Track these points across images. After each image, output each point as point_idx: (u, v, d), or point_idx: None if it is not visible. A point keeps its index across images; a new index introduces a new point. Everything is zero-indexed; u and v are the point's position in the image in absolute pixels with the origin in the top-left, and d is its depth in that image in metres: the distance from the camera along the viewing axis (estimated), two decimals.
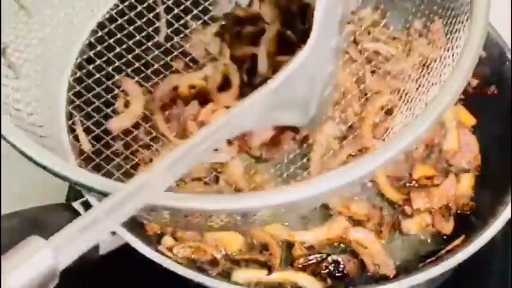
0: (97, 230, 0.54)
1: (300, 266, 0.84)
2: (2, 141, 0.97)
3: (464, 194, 0.90)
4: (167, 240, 0.84)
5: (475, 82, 0.98)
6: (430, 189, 0.89)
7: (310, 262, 0.84)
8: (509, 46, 0.95)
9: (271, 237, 0.85)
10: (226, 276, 0.82)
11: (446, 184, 0.90)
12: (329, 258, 0.84)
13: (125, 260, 0.78)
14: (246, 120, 0.65)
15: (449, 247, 0.82)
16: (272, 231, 0.85)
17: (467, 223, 0.87)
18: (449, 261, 0.77)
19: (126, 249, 0.76)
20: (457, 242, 0.82)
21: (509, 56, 0.94)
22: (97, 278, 0.89)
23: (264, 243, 0.85)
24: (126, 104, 0.93)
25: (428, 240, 0.87)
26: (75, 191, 0.84)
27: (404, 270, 0.83)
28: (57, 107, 0.86)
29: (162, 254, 0.77)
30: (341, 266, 0.84)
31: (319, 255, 0.84)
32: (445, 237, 0.87)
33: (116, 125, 0.91)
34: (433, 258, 0.81)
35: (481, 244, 0.78)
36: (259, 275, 0.82)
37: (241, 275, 0.82)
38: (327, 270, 0.84)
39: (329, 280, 0.83)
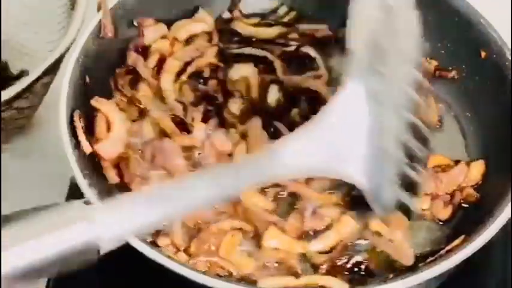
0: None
1: (324, 271, 0.83)
2: (2, 140, 0.97)
3: (472, 183, 0.90)
4: (180, 256, 0.82)
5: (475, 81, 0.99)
6: (438, 174, 0.89)
7: (333, 265, 0.83)
8: (509, 46, 0.95)
9: (286, 253, 0.84)
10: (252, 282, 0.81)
11: (456, 171, 0.90)
12: (351, 260, 0.84)
13: (125, 260, 0.78)
14: (288, 162, 0.64)
15: (449, 247, 0.82)
16: (285, 247, 0.84)
17: (467, 223, 0.87)
18: (449, 261, 0.77)
19: (126, 249, 0.76)
20: (457, 242, 0.82)
21: (509, 56, 0.94)
22: (97, 278, 0.89)
23: (280, 261, 0.84)
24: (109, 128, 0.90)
25: (428, 241, 0.87)
26: (75, 191, 0.84)
27: (404, 269, 0.83)
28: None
29: (163, 254, 0.77)
30: (363, 264, 0.84)
31: (342, 257, 0.84)
32: (441, 222, 0.87)
33: (104, 151, 0.88)
34: (433, 258, 0.81)
35: (481, 244, 0.78)
36: (286, 281, 0.81)
37: (268, 282, 0.81)
38: (352, 270, 0.83)
39: (355, 278, 0.83)
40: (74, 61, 0.89)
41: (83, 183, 0.79)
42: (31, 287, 0.76)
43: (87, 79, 0.90)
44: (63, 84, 0.88)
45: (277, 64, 1.01)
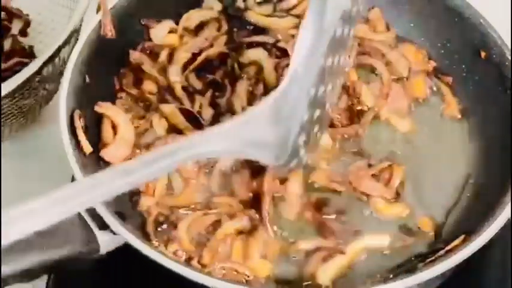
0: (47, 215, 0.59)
1: None
2: (2, 139, 0.97)
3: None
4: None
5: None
6: None
7: None
8: (509, 46, 0.95)
9: None
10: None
11: None
12: None
13: (124, 260, 0.78)
14: (211, 147, 0.69)
15: (449, 247, 0.82)
16: None
17: (467, 223, 0.87)
18: (449, 261, 0.77)
19: (126, 249, 0.76)
20: (457, 242, 0.82)
21: (509, 56, 0.94)
22: (97, 278, 0.89)
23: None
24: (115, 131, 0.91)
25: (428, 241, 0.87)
26: None
27: (404, 270, 0.83)
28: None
29: (163, 254, 0.77)
30: None
31: None
32: None
33: (111, 156, 0.88)
34: (433, 258, 0.81)
35: (481, 244, 0.78)
36: (339, 262, 0.83)
37: (326, 272, 0.82)
38: None
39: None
40: (74, 61, 0.89)
41: None
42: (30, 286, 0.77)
43: (87, 79, 0.90)
44: (63, 84, 0.88)
45: (291, 49, 0.99)
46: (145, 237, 0.82)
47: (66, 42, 0.94)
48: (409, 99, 0.97)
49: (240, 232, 0.84)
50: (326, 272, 0.82)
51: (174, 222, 0.85)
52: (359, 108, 0.96)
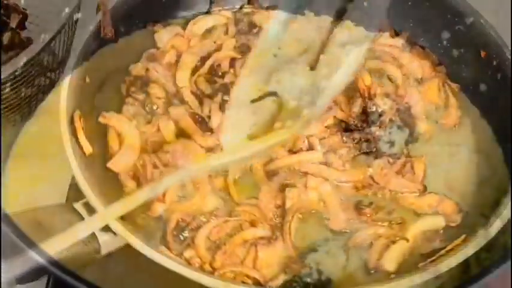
0: None
1: None
2: (2, 140, 0.97)
3: None
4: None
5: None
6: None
7: None
8: (509, 46, 0.95)
9: None
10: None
11: None
12: None
13: (124, 260, 0.78)
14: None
15: (449, 247, 0.82)
16: None
17: (467, 223, 0.87)
18: (449, 261, 0.77)
19: (126, 249, 0.76)
20: (457, 241, 0.82)
21: (509, 56, 0.94)
22: (97, 278, 0.89)
23: None
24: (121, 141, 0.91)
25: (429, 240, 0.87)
26: (75, 191, 0.84)
27: (404, 270, 0.83)
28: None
29: (163, 254, 0.77)
30: None
31: None
32: None
33: (118, 166, 0.88)
34: (433, 258, 0.81)
35: (481, 244, 0.78)
36: (402, 247, 0.84)
37: (392, 258, 0.83)
38: None
39: None
40: (74, 61, 0.89)
41: (83, 183, 0.79)
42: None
43: (87, 79, 0.90)
44: (63, 85, 0.88)
45: None
46: (164, 243, 0.83)
47: (60, 30, 0.93)
48: (425, 102, 0.98)
49: (260, 238, 0.84)
50: (392, 258, 0.83)
51: (195, 229, 0.85)
52: (373, 110, 0.96)
